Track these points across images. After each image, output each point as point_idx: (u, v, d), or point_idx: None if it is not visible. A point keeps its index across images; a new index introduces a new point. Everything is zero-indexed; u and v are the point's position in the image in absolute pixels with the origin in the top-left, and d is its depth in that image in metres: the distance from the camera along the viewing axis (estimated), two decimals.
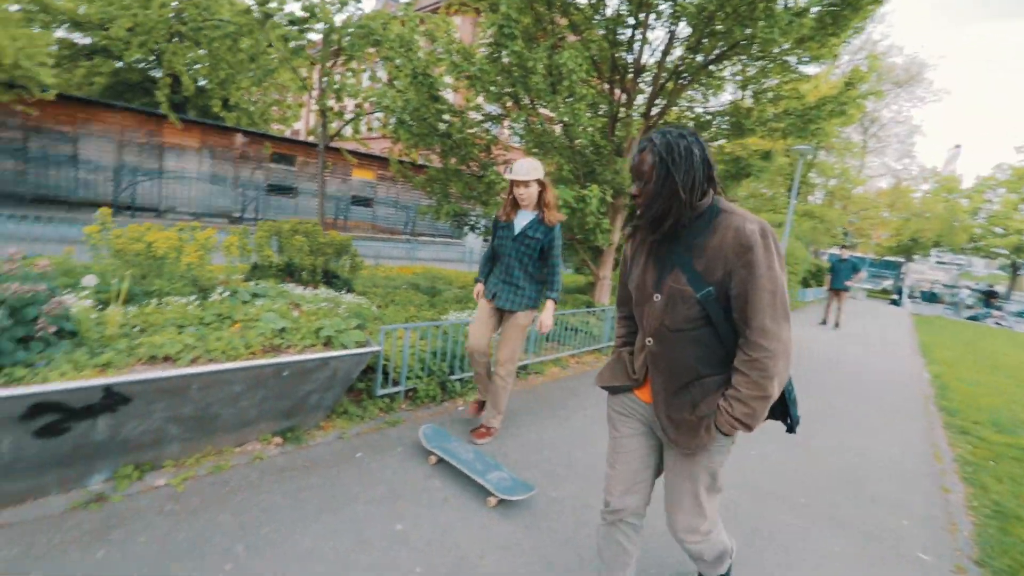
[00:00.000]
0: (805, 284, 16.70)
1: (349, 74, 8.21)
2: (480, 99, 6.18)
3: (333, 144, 9.08)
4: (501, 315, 3.24)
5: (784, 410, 1.53)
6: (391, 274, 8.73)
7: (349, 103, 8.48)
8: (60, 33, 17.58)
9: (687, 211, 1.35)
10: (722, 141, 7.18)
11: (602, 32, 5.96)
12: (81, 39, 18.42)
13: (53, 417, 1.87)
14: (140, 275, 3.58)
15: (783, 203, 20.22)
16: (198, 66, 16.55)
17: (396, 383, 3.60)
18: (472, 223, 6.96)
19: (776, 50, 5.63)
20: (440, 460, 2.86)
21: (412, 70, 5.64)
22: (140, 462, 2.31)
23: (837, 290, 10.91)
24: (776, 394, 1.34)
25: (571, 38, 6.20)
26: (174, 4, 14.61)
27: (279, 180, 18.61)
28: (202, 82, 17.06)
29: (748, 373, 1.32)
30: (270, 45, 6.97)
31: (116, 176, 15.09)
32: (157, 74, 18.70)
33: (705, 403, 1.42)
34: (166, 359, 2.39)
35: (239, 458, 2.62)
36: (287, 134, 20.63)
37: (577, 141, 5.62)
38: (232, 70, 7.57)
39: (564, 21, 6.29)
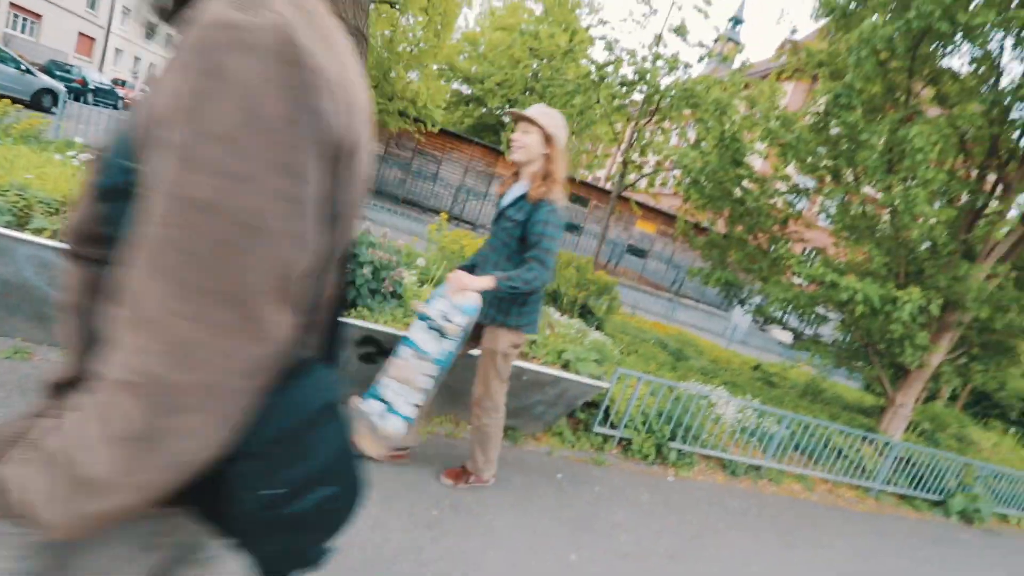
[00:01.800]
0: None
1: (659, 131, 8.67)
2: (790, 169, 5.71)
3: (625, 193, 9.71)
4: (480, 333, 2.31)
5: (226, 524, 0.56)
6: (643, 326, 8.75)
7: (651, 157, 8.95)
8: (454, 85, 23.86)
9: None
10: None
11: (985, 107, 4.78)
12: (464, 89, 24.47)
13: (372, 349, 2.57)
14: (451, 267, 4.56)
15: None
16: None
17: (614, 426, 3.61)
18: (743, 297, 6.43)
19: None
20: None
21: (721, 133, 5.61)
22: None
23: None
24: (123, 485, 0.46)
25: (932, 111, 5.16)
26: (533, 65, 18.14)
27: (570, 218, 20.79)
28: None
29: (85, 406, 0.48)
30: (597, 101, 7.94)
31: (456, 193, 19.36)
32: (505, 118, 23.48)
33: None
34: None
35: (466, 433, 3.05)
36: (588, 178, 22.91)
37: (906, 233, 4.63)
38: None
39: (928, 92, 5.30)
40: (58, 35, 25.24)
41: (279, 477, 0.52)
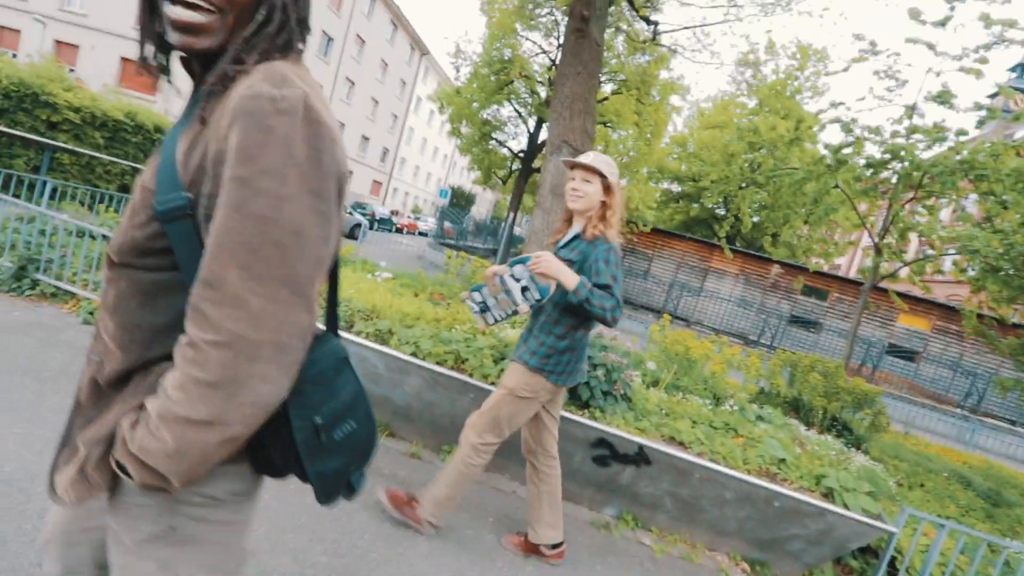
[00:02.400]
0: None
1: (922, 211, 7.27)
2: None
3: (881, 284, 8.18)
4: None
5: (291, 454, 0.73)
6: (925, 451, 6.82)
7: (913, 239, 7.46)
8: (663, 185, 24.34)
9: (253, 43, 0.71)
10: None
11: None
12: (673, 187, 24.69)
13: (605, 452, 2.59)
14: (673, 370, 4.40)
15: None
16: (756, 206, 18.83)
17: None
18: None
19: None
20: None
21: None
22: (637, 516, 2.80)
23: None
24: (228, 420, 0.63)
25: None
26: (749, 157, 17.49)
27: (804, 312, 18.21)
28: (755, 218, 19.29)
29: (178, 367, 0.65)
30: (835, 187, 7.15)
31: (669, 289, 18.97)
32: (720, 212, 22.70)
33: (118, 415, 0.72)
34: (680, 444, 2.83)
35: (706, 560, 2.72)
36: (824, 267, 20.07)
37: None
38: (790, 210, 8.23)
39: None
40: (361, 183, 34.86)
41: (320, 409, 0.74)
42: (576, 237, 2.08)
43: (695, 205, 23.71)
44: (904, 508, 2.80)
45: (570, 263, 1.99)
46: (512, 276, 1.97)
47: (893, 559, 2.83)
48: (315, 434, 0.74)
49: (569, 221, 2.19)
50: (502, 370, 2.95)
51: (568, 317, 2.02)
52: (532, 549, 2.29)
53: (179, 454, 0.63)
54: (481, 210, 40.90)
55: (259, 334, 0.62)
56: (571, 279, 1.87)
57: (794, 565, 2.77)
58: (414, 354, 2.89)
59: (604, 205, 2.06)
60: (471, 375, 2.90)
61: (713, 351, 4.30)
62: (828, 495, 2.80)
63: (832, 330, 17.72)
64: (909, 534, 2.86)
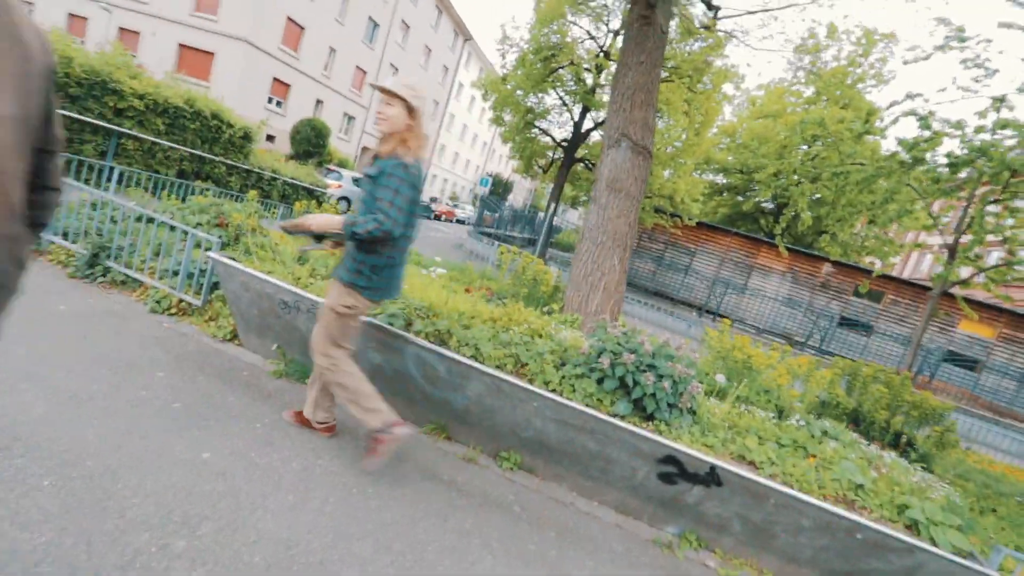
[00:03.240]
0: None
1: (1006, 213, 6.72)
2: None
3: (953, 290, 7.64)
4: None
5: None
6: (990, 469, 6.37)
7: (992, 242, 6.90)
8: (708, 176, 23.48)
9: None
10: None
11: None
12: (719, 179, 23.80)
13: (672, 469, 2.47)
14: (741, 384, 4.20)
15: None
16: (811, 202, 17.95)
17: None
18: None
19: None
20: None
21: None
22: (702, 537, 2.68)
23: None
24: None
25: None
26: (804, 149, 16.59)
27: (855, 314, 17.35)
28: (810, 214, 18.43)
29: None
30: (908, 185, 6.68)
31: (711, 285, 18.40)
32: (767, 206, 21.73)
33: None
34: (750, 463, 2.68)
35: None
36: (879, 268, 19.04)
37: None
38: (852, 208, 7.76)
39: None
40: None
41: None
42: (377, 156, 2.23)
43: (742, 198, 22.83)
44: (998, 547, 2.58)
45: (369, 179, 2.19)
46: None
47: None
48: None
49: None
50: (563, 377, 2.87)
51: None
52: (304, 422, 2.62)
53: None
54: (518, 198, 40.70)
55: None
56: (335, 224, 2.17)
57: None
58: (474, 357, 2.83)
59: (408, 129, 2.19)
60: (531, 381, 2.82)
61: (776, 360, 4.08)
62: (912, 527, 2.60)
63: (885, 334, 16.84)
64: None
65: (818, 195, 10.90)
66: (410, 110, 2.18)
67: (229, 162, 9.74)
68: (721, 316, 17.64)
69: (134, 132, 7.54)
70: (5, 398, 2.15)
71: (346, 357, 2.37)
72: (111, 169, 6.48)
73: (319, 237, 2.30)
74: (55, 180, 1.02)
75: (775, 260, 17.88)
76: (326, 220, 2.21)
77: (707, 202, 24.47)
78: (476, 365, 2.62)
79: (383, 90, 2.16)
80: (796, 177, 10.24)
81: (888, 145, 19.72)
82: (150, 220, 4.26)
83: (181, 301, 3.59)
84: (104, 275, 3.76)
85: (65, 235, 4.01)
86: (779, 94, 21.16)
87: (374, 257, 2.20)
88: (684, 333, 10.62)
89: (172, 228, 4.08)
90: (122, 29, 21.23)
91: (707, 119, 14.94)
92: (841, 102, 17.64)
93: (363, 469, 2.40)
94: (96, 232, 4.02)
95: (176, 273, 3.69)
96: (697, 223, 17.68)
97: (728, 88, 17.54)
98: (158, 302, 3.54)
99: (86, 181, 6.13)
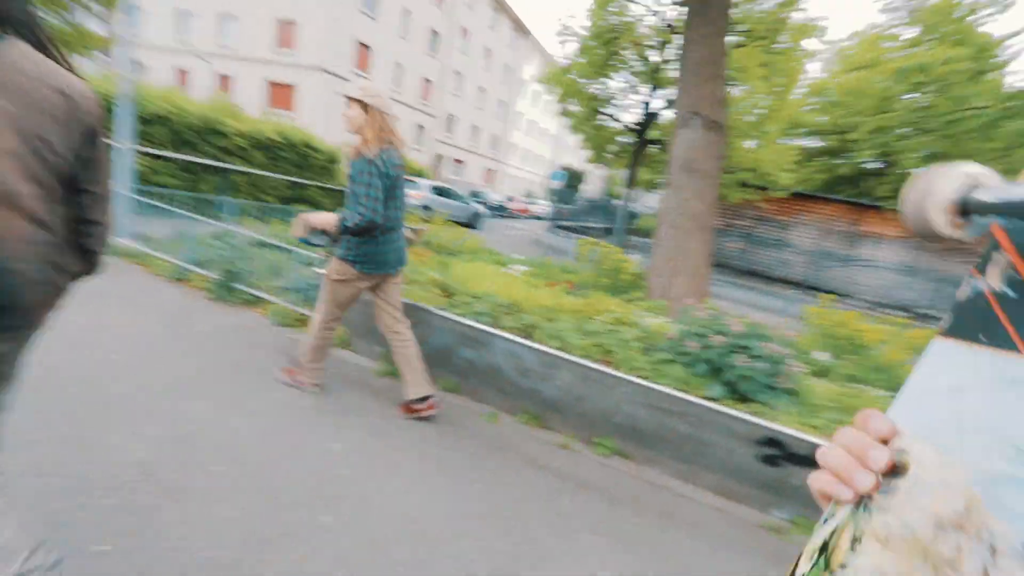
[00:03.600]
0: None
1: None
2: None
3: None
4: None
5: None
6: None
7: None
8: (798, 142, 21.65)
9: None
10: None
11: None
12: (808, 144, 21.86)
13: (775, 451, 2.41)
14: (835, 356, 3.94)
15: None
16: (921, 156, 16.03)
17: None
18: None
19: None
20: None
21: None
22: (813, 520, 2.58)
23: None
24: None
25: None
26: (907, 97, 14.80)
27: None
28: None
29: None
30: None
31: (812, 259, 17.02)
32: (869, 166, 19.65)
33: None
34: None
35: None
36: None
37: None
38: (975, 158, 6.85)
39: None
40: (474, 172, 36.10)
41: None
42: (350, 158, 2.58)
43: (839, 161, 20.82)
44: None
45: (348, 177, 2.53)
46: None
47: None
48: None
49: None
50: (652, 362, 2.88)
51: None
52: (407, 409, 2.86)
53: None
54: (591, 188, 40.14)
55: None
56: (329, 221, 2.55)
57: None
58: (561, 348, 2.93)
59: (366, 122, 2.52)
60: (618, 368, 2.87)
61: (890, 334, 3.77)
62: None
63: None
64: None
65: (928, 150, 9.72)
66: (365, 107, 2.52)
67: (320, 184, 10.63)
68: (827, 292, 16.29)
69: (240, 167, 8.48)
70: (184, 404, 2.60)
71: (333, 321, 2.86)
72: (225, 202, 7.36)
73: (320, 233, 2.66)
74: (94, 214, 1.17)
75: (887, 227, 16.15)
76: (324, 218, 2.62)
77: (799, 170, 22.62)
78: (563, 355, 2.72)
79: (346, 97, 2.58)
80: (901, 131, 9.19)
81: (1014, 81, 17.00)
82: (263, 244, 4.81)
83: (299, 314, 4.04)
84: (231, 294, 4.33)
85: (200, 264, 4.65)
86: (873, 41, 18.99)
87: (358, 238, 2.62)
88: (782, 312, 9.97)
89: (281, 249, 4.57)
90: (219, 75, 23.76)
91: (790, 80, 13.81)
92: (951, 39, 15.52)
93: (273, 377, 3.01)
94: (223, 259, 4.62)
95: (292, 290, 4.16)
96: (791, 193, 16.43)
97: (811, 44, 16.10)
98: (279, 316, 4.01)
99: (207, 215, 7.02)
